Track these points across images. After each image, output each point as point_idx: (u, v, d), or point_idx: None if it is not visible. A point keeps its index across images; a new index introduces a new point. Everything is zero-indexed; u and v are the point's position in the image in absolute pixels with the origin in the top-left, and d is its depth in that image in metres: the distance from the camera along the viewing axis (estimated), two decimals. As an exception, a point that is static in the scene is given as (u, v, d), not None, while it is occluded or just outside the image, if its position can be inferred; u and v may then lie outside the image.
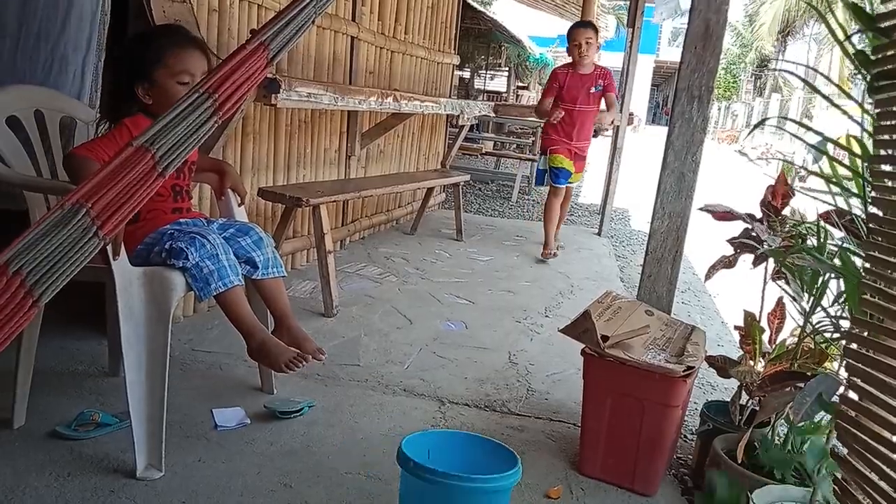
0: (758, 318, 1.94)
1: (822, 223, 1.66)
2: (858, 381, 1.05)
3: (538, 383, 2.53)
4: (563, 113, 4.40)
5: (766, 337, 1.93)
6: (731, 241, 1.93)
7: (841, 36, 1.11)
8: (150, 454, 1.68)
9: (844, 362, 1.24)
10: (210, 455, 1.82)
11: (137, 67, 1.78)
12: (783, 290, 1.82)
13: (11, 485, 1.60)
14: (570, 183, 4.65)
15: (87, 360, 2.30)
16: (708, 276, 1.95)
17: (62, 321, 2.47)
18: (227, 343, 2.55)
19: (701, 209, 1.98)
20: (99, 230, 1.18)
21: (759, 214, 1.91)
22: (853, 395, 1.06)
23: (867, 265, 1.07)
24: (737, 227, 1.95)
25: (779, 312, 1.92)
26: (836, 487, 1.17)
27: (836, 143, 1.24)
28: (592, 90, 4.42)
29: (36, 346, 1.86)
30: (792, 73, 1.65)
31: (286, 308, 1.93)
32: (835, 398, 1.35)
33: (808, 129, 1.33)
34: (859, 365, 1.04)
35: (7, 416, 1.84)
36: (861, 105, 1.19)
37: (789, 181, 1.88)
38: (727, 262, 1.94)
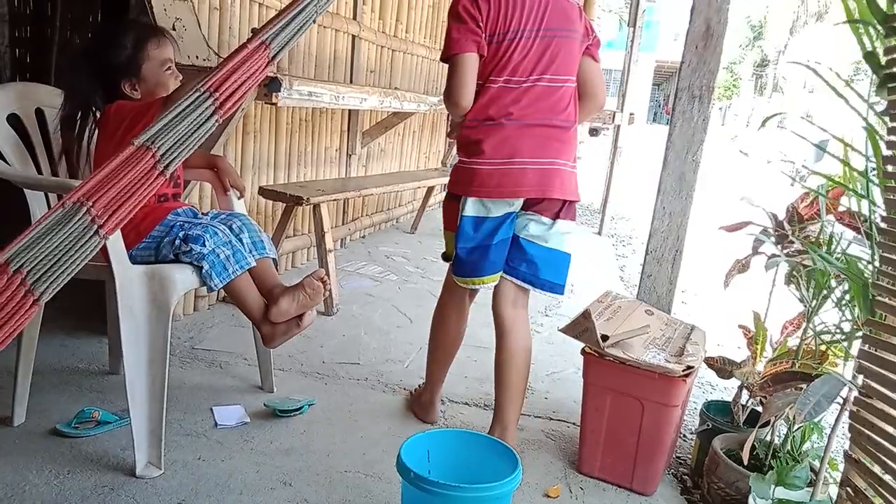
0: (763, 320, 1.94)
1: (834, 223, 1.66)
2: (873, 384, 1.04)
3: (538, 382, 2.53)
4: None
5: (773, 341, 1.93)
6: (754, 240, 1.91)
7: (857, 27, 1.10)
8: (150, 452, 1.68)
9: (857, 364, 1.23)
10: (210, 453, 1.83)
11: (122, 66, 1.82)
12: (794, 293, 1.81)
13: (11, 482, 1.61)
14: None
15: (87, 358, 2.30)
16: (725, 283, 1.94)
17: (63, 319, 2.48)
18: (228, 341, 2.55)
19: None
20: (100, 229, 1.18)
21: (781, 215, 1.90)
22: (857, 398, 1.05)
23: (883, 267, 1.06)
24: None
25: (796, 321, 1.90)
26: (848, 489, 1.16)
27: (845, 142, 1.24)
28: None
29: (36, 344, 1.86)
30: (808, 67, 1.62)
31: (278, 281, 1.87)
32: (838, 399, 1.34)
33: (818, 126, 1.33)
34: (874, 367, 1.03)
35: (7, 414, 1.84)
36: (867, 101, 1.18)
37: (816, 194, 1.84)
38: (741, 267, 1.93)
